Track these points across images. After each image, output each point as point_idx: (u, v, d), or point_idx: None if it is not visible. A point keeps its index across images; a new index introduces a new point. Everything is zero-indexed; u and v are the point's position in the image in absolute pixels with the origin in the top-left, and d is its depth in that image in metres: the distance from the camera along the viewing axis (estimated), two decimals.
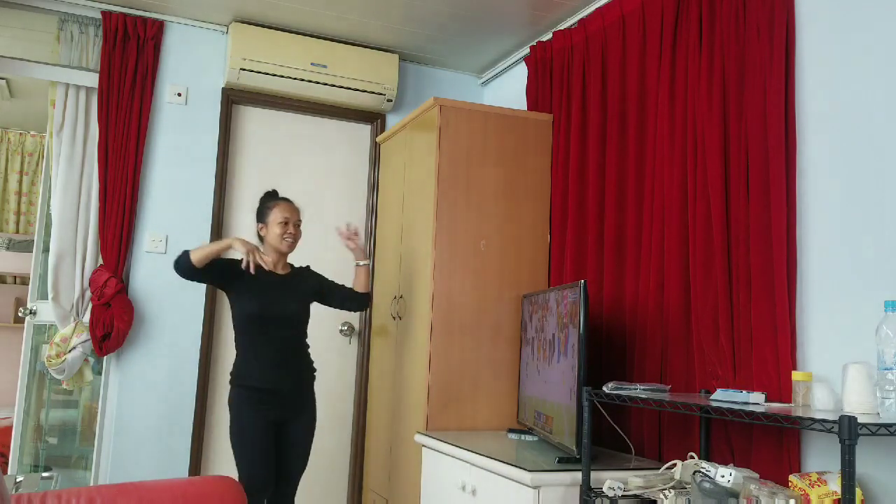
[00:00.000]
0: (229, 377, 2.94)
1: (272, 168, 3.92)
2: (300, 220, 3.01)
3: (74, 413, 3.99)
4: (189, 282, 2.88)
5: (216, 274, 2.90)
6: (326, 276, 3.17)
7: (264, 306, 2.88)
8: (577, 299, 2.41)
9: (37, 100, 4.97)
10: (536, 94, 3.57)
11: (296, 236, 2.98)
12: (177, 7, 3.62)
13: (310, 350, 3.04)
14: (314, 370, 3.05)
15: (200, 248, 2.82)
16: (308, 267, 3.15)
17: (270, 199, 3.03)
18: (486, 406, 3.17)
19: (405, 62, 4.16)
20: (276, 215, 2.95)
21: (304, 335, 3.02)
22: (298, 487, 3.01)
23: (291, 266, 3.08)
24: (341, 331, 3.95)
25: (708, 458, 2.34)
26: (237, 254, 2.84)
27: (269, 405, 2.86)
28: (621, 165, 2.95)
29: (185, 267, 2.80)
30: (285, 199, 3.03)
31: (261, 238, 3.02)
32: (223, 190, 3.78)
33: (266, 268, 2.85)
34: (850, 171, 2.10)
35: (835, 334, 2.09)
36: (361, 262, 3.17)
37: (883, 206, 2.00)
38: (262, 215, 3.01)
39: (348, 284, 3.20)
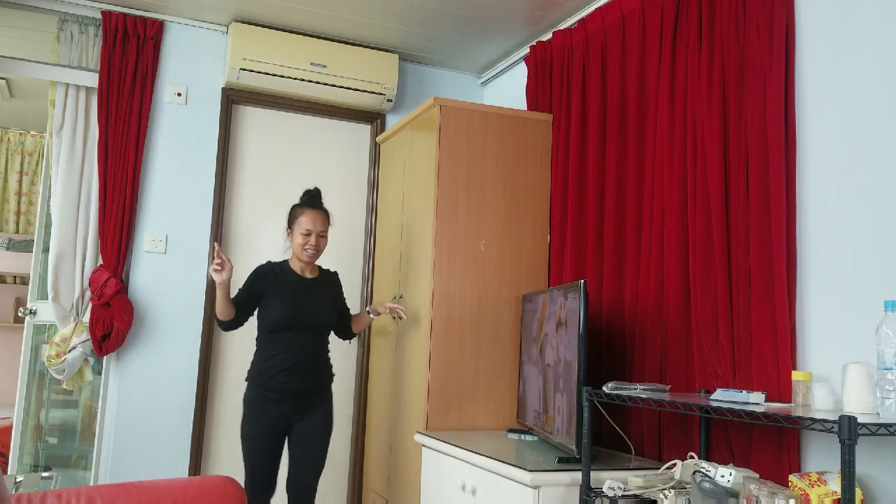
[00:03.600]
0: (246, 375, 2.97)
1: (272, 168, 3.92)
2: (326, 230, 2.99)
3: (74, 413, 3.99)
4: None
5: (251, 304, 2.94)
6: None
7: (294, 311, 2.90)
8: (577, 299, 2.41)
9: (37, 100, 4.97)
10: (536, 94, 3.56)
11: (318, 247, 2.97)
12: (177, 7, 3.62)
13: (330, 354, 3.07)
14: (332, 374, 3.08)
15: (217, 304, 2.83)
16: (336, 273, 3.20)
17: (301, 205, 3.00)
18: (486, 406, 3.17)
19: (405, 62, 4.16)
20: (300, 225, 2.94)
21: (327, 338, 3.05)
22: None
23: (320, 268, 3.11)
24: None
25: (708, 458, 2.34)
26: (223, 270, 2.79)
27: (283, 405, 2.89)
28: (621, 165, 2.95)
29: (225, 326, 2.89)
30: (314, 207, 2.98)
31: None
32: (223, 190, 3.77)
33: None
34: (850, 171, 2.10)
35: (835, 334, 2.09)
36: (374, 316, 3.25)
37: (883, 206, 2.00)
38: (290, 220, 3.01)
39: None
